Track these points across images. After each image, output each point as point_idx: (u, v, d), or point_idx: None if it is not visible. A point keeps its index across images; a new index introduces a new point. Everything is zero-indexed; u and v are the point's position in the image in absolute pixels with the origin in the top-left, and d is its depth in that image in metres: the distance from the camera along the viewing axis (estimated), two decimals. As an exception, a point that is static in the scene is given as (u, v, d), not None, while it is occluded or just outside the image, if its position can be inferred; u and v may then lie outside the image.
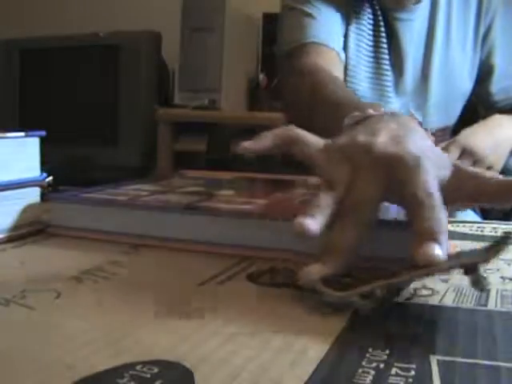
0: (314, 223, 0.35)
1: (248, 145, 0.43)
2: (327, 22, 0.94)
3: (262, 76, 2.20)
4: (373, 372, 0.25)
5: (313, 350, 0.27)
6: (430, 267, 0.32)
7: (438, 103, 1.04)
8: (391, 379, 0.24)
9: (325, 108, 0.68)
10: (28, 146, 0.52)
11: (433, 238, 0.33)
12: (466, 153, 0.93)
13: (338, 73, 0.88)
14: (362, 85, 1.01)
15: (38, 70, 2.35)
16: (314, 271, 0.34)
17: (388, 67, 1.01)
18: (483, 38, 1.04)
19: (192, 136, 2.12)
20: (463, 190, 0.40)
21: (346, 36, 0.99)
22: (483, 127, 0.97)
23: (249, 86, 2.23)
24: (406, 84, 1.03)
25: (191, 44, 2.10)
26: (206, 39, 2.09)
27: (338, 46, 0.93)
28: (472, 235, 0.55)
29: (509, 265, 0.44)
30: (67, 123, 2.24)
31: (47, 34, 2.31)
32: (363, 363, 0.26)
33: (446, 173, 0.40)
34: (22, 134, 0.51)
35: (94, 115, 2.25)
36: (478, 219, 1.05)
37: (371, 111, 0.47)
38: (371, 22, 1.00)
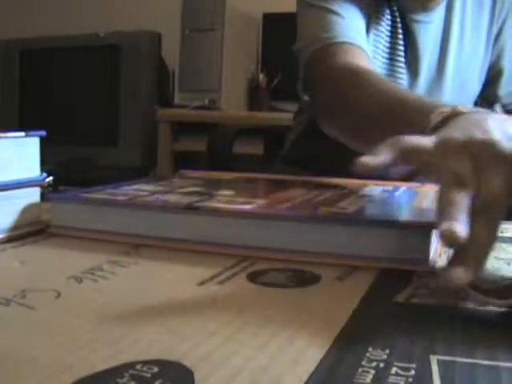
0: (461, 226, 0.33)
1: (367, 160, 0.40)
2: (354, 21, 0.92)
3: (261, 76, 2.20)
4: (373, 371, 0.25)
5: (313, 350, 0.27)
6: None
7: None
8: (391, 379, 0.24)
9: (386, 109, 0.65)
10: (28, 146, 0.52)
11: None
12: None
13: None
14: None
15: (38, 70, 2.36)
16: (460, 276, 0.32)
17: (403, 69, 1.01)
18: (494, 41, 1.03)
19: (192, 136, 2.12)
20: None
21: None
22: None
23: (249, 86, 2.23)
24: (420, 86, 1.02)
25: (191, 44, 2.10)
26: (205, 39, 2.09)
27: (366, 46, 0.89)
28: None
29: (509, 264, 0.44)
30: (67, 123, 2.24)
31: (47, 34, 2.31)
32: (363, 363, 0.26)
33: None
34: (22, 133, 0.51)
35: (94, 115, 2.25)
36: None
37: (460, 108, 0.47)
38: (389, 23, 0.99)
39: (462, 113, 0.47)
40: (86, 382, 0.23)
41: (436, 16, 1.00)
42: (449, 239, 0.32)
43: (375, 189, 0.59)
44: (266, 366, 0.25)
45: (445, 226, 0.33)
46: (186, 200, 0.49)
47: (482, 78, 1.05)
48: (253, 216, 0.45)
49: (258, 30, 2.27)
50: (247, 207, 0.46)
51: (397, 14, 0.99)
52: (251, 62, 2.27)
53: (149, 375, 0.24)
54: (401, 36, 0.99)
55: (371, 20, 0.98)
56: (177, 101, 2.14)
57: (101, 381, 0.24)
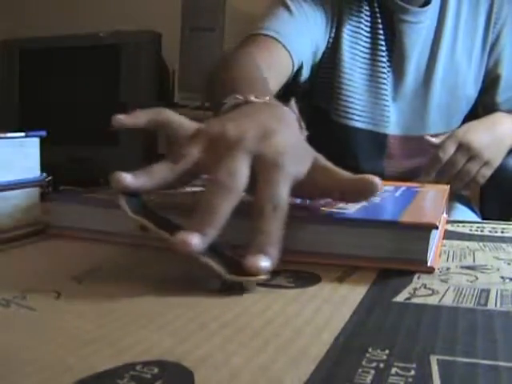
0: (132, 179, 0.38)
1: (122, 118, 0.44)
2: (302, 22, 0.95)
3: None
4: (373, 372, 0.25)
5: (313, 350, 0.27)
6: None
7: (439, 108, 1.03)
8: (391, 379, 0.24)
9: (223, 82, 0.69)
10: (28, 146, 0.52)
11: (263, 251, 0.36)
12: (462, 147, 0.92)
13: (274, 72, 0.86)
14: (357, 87, 1.01)
15: (38, 69, 2.35)
16: (197, 241, 0.35)
17: (386, 69, 1.01)
18: (491, 47, 1.03)
19: (192, 136, 2.12)
20: (318, 185, 0.42)
21: (338, 38, 0.99)
22: (483, 123, 0.97)
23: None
24: (406, 87, 1.02)
25: (191, 44, 2.10)
26: (206, 39, 2.09)
27: (296, 49, 0.92)
28: (471, 235, 0.55)
29: (509, 264, 0.44)
30: (67, 123, 2.24)
31: (47, 34, 2.31)
32: (363, 363, 0.26)
33: (304, 168, 0.42)
34: (22, 134, 0.51)
35: (94, 115, 2.25)
36: (478, 219, 1.05)
37: (252, 98, 0.49)
38: (368, 24, 1.00)
39: (251, 102, 0.48)
40: (86, 383, 0.23)
41: (427, 17, 0.99)
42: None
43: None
44: (266, 366, 0.25)
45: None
46: (186, 200, 0.49)
47: (479, 84, 1.05)
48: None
49: (257, 30, 2.27)
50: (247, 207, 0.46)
51: (378, 14, 0.99)
52: (251, 62, 2.26)
53: (149, 376, 0.24)
54: (382, 36, 1.00)
55: (344, 21, 0.98)
56: (177, 101, 2.14)
57: (101, 381, 0.24)
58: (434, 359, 0.26)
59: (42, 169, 0.54)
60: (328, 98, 1.03)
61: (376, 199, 0.52)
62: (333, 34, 0.99)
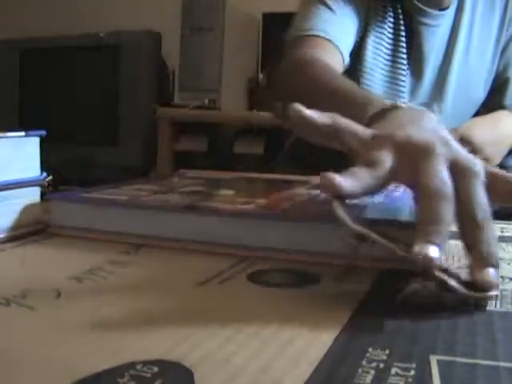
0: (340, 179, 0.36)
1: (302, 109, 0.41)
2: (344, 20, 0.93)
3: (261, 76, 2.20)
4: (373, 372, 0.25)
5: (313, 350, 0.27)
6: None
7: (452, 109, 1.03)
8: (391, 379, 0.24)
9: (327, 96, 0.67)
10: (28, 146, 0.52)
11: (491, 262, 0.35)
12: (463, 142, 0.91)
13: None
14: (376, 88, 1.01)
15: (38, 70, 2.35)
16: (437, 254, 0.33)
17: (405, 72, 1.01)
18: (502, 50, 1.03)
19: (192, 136, 2.12)
20: (496, 190, 0.40)
21: (364, 38, 0.98)
22: (486, 120, 0.97)
23: (249, 85, 2.23)
24: (423, 89, 1.02)
25: (191, 44, 2.10)
26: (205, 39, 2.09)
27: (345, 48, 0.91)
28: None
29: (508, 264, 0.44)
30: (67, 123, 2.24)
31: (47, 34, 2.31)
32: (363, 363, 0.26)
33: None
34: (22, 133, 0.51)
35: (94, 115, 2.25)
36: None
37: (398, 103, 0.48)
38: (391, 25, 0.99)
39: (401, 107, 0.47)
40: (86, 382, 0.23)
41: (445, 20, 0.99)
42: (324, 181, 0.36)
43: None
44: (266, 365, 0.25)
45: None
46: (185, 200, 0.49)
47: (488, 86, 1.05)
48: (253, 216, 0.45)
49: (258, 30, 2.27)
50: (247, 207, 0.46)
51: (401, 16, 0.98)
52: (251, 62, 2.27)
53: (149, 375, 0.24)
54: (403, 39, 0.99)
55: (371, 21, 0.97)
56: (177, 100, 2.14)
57: (101, 381, 0.24)
58: (433, 359, 0.26)
59: (42, 168, 0.54)
60: None
61: (376, 199, 0.52)
62: (361, 33, 0.99)
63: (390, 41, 1.00)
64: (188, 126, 2.10)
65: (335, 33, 0.90)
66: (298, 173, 0.79)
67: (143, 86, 2.18)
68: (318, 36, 0.88)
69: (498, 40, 1.03)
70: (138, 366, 0.25)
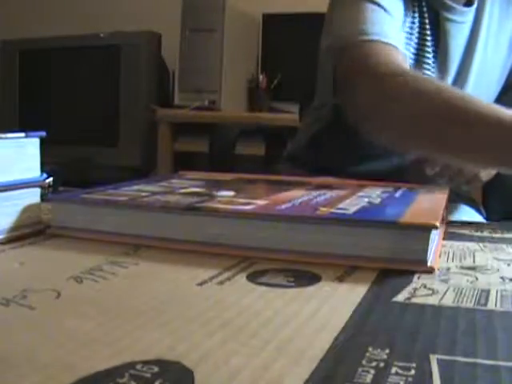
0: None
1: None
2: (396, 20, 0.87)
3: (261, 76, 2.20)
4: (373, 371, 0.25)
5: (313, 349, 0.27)
6: None
7: None
8: (391, 378, 0.24)
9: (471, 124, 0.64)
10: (28, 147, 0.52)
11: None
12: None
13: None
14: None
15: (38, 70, 2.36)
16: None
17: (431, 70, 1.01)
18: None
19: (192, 136, 2.13)
20: None
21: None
22: None
23: (249, 86, 2.23)
24: None
25: (191, 44, 2.10)
26: (205, 39, 2.09)
27: (402, 48, 0.86)
28: (471, 236, 0.55)
29: (509, 265, 0.44)
30: (67, 124, 2.24)
31: (47, 35, 2.31)
32: (363, 362, 0.26)
33: None
34: (23, 134, 0.51)
35: (94, 116, 2.25)
36: (482, 219, 1.04)
37: None
38: (418, 23, 0.99)
39: None
40: (86, 382, 0.23)
41: (469, 17, 0.99)
42: None
43: (375, 190, 0.59)
44: (266, 365, 0.25)
45: None
46: (186, 201, 0.49)
47: (501, 83, 1.05)
48: (253, 216, 0.45)
49: (258, 30, 2.27)
50: (247, 208, 0.46)
51: (426, 14, 0.98)
52: (251, 62, 2.27)
53: (149, 375, 0.24)
54: (429, 38, 0.99)
55: (406, 19, 0.96)
56: (177, 101, 2.14)
57: (101, 381, 0.24)
58: (434, 359, 0.26)
59: (42, 169, 0.54)
60: None
61: (376, 200, 0.52)
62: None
63: (417, 39, 0.99)
64: (188, 126, 2.10)
65: (395, 37, 0.83)
66: (299, 174, 0.79)
67: (143, 86, 2.18)
68: (386, 43, 0.81)
69: (511, 41, 1.03)
70: (138, 366, 0.25)
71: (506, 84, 1.06)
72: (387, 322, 0.31)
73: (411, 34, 0.97)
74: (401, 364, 0.25)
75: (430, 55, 0.99)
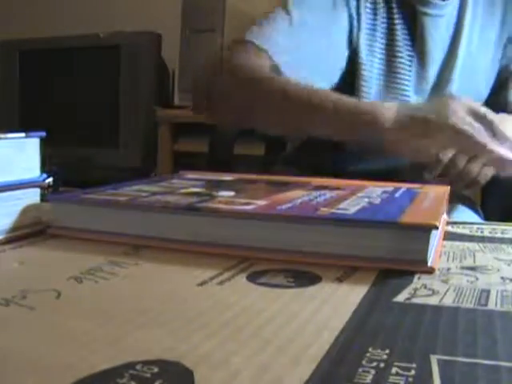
0: None
1: None
2: (302, 32, 0.94)
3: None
4: (373, 371, 0.25)
5: (313, 350, 0.27)
6: None
7: None
8: (391, 378, 0.24)
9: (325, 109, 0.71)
10: (28, 147, 0.52)
11: None
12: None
13: None
14: (376, 84, 1.01)
15: (38, 70, 2.36)
16: None
17: (407, 65, 1.01)
18: (504, 45, 1.04)
19: (192, 137, 2.12)
20: None
21: (357, 40, 0.99)
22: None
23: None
24: (428, 82, 1.02)
25: (191, 45, 2.10)
26: (205, 40, 2.09)
27: (280, 55, 0.93)
28: (472, 236, 0.55)
29: (509, 265, 0.44)
30: (67, 124, 2.24)
31: (47, 35, 2.31)
32: (363, 362, 0.26)
33: None
34: (22, 134, 0.51)
35: (94, 116, 2.25)
36: (480, 220, 1.04)
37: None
38: (385, 20, 1.00)
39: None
40: (86, 382, 0.23)
41: (448, 11, 1.00)
42: None
43: (375, 190, 0.59)
44: (267, 366, 0.25)
45: None
46: (186, 201, 0.49)
47: (491, 81, 1.05)
48: (253, 217, 0.45)
49: (258, 31, 2.27)
50: (248, 208, 0.46)
51: (395, 10, 0.99)
52: (251, 63, 2.26)
53: (149, 375, 0.24)
54: (399, 32, 1.00)
55: (362, 22, 0.98)
56: (177, 101, 2.14)
57: (101, 381, 0.24)
58: (434, 359, 0.26)
59: (42, 169, 0.54)
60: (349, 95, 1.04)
61: (376, 200, 0.52)
62: (354, 35, 1.00)
63: (385, 36, 1.00)
64: (188, 126, 2.10)
65: (282, 47, 0.92)
66: (299, 175, 0.79)
67: (143, 87, 2.18)
68: (259, 47, 0.91)
69: (500, 35, 1.03)
70: (138, 366, 0.25)
71: (496, 85, 1.06)
72: (387, 323, 0.31)
73: (373, 32, 1.00)
74: (401, 364, 0.25)
75: (404, 49, 1.00)
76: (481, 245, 0.51)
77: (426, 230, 0.41)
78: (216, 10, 2.08)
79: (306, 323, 0.31)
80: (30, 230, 0.51)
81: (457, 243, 0.51)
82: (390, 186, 0.62)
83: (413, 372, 0.25)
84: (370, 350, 0.27)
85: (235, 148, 1.98)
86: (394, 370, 0.25)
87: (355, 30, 0.99)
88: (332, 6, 0.97)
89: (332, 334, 0.29)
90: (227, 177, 0.69)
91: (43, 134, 0.53)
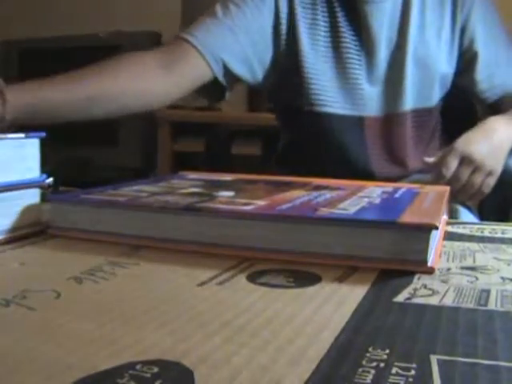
0: None
1: None
2: (226, 24, 0.99)
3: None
4: (373, 371, 0.25)
5: (313, 350, 0.27)
6: None
7: (413, 84, 1.06)
8: (391, 379, 0.24)
9: None
10: (28, 147, 0.52)
11: None
12: (464, 161, 0.93)
13: (180, 73, 0.99)
14: (324, 75, 1.03)
15: (37, 70, 2.35)
16: None
17: (356, 53, 1.02)
18: (463, 27, 1.06)
19: (192, 137, 2.13)
20: None
21: (295, 35, 1.02)
22: (479, 132, 0.97)
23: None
24: (379, 67, 1.04)
25: (191, 45, 2.10)
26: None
27: (221, 56, 0.98)
28: (472, 236, 0.55)
29: (509, 265, 0.44)
30: (67, 124, 2.24)
31: (47, 35, 2.31)
32: (363, 362, 0.26)
33: None
34: (22, 135, 0.51)
35: (94, 116, 2.25)
36: (475, 219, 1.05)
37: None
38: (326, 13, 1.02)
39: None
40: (86, 382, 0.23)
41: None
42: None
43: (375, 190, 0.59)
44: (266, 365, 0.25)
45: None
46: (186, 201, 0.49)
47: (453, 64, 1.06)
48: (253, 217, 0.45)
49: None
50: (247, 208, 0.46)
51: (335, 3, 1.01)
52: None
53: (149, 375, 0.24)
54: (342, 23, 1.03)
55: (298, 16, 1.02)
56: (177, 101, 2.14)
57: (101, 381, 0.24)
58: (434, 359, 0.26)
59: (42, 170, 0.54)
60: (296, 93, 1.06)
61: (376, 200, 0.52)
62: (284, 31, 1.03)
63: (327, 29, 1.03)
64: (188, 126, 2.10)
65: (202, 38, 0.98)
66: (289, 174, 0.79)
67: (143, 86, 2.18)
68: (185, 40, 0.97)
69: (453, 17, 1.05)
70: (138, 366, 0.25)
71: (461, 66, 1.07)
72: (387, 323, 0.31)
73: (314, 25, 1.03)
74: (401, 364, 0.25)
75: (349, 39, 1.02)
76: (481, 245, 0.51)
77: (426, 230, 0.41)
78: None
79: (306, 323, 0.31)
80: (30, 231, 0.51)
81: (457, 243, 0.51)
82: (389, 186, 0.62)
83: (413, 372, 0.25)
84: (370, 349, 0.27)
85: (232, 148, 1.98)
86: (393, 370, 0.25)
87: (284, 27, 1.02)
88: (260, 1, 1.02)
89: (332, 334, 0.29)
90: (227, 177, 0.69)
91: (43, 134, 0.53)
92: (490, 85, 1.07)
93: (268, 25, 1.02)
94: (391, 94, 1.05)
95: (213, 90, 1.05)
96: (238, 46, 0.99)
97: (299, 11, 1.02)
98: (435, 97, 1.08)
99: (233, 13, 1.00)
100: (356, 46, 1.03)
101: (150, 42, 2.19)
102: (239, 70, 1.01)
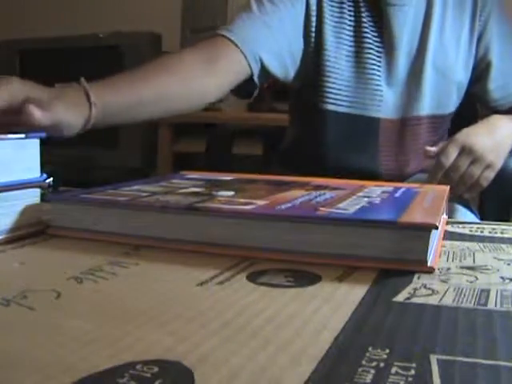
0: None
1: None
2: (264, 19, 0.98)
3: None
4: (373, 371, 0.25)
5: (313, 349, 0.27)
6: None
7: (431, 90, 1.05)
8: (391, 378, 0.24)
9: None
10: (28, 147, 0.52)
11: None
12: (464, 151, 0.93)
13: (222, 72, 0.93)
14: (344, 74, 1.03)
15: (38, 70, 2.35)
16: None
17: (376, 55, 1.02)
18: (479, 36, 1.05)
19: (192, 137, 2.12)
20: None
21: (321, 32, 1.02)
22: (483, 127, 0.98)
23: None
24: (399, 70, 1.04)
25: (192, 45, 2.10)
26: (205, 40, 2.09)
27: (258, 52, 0.96)
28: (471, 236, 0.55)
29: (509, 265, 0.44)
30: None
31: (47, 35, 2.31)
32: (363, 362, 0.26)
33: None
34: (23, 135, 0.51)
35: (94, 116, 2.25)
36: (475, 219, 1.05)
37: None
38: (352, 13, 1.02)
39: None
40: (86, 382, 0.23)
41: (413, 0, 1.01)
42: None
43: (375, 190, 0.59)
44: (266, 365, 0.25)
45: None
46: (186, 201, 0.49)
47: (469, 71, 1.06)
48: (253, 216, 0.45)
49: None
50: (247, 208, 0.46)
51: (361, 3, 1.01)
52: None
53: (149, 375, 0.24)
54: (366, 24, 1.02)
55: (325, 14, 1.02)
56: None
57: (101, 381, 0.24)
58: (433, 359, 0.26)
59: (42, 170, 0.54)
60: (315, 90, 1.05)
61: (376, 200, 0.52)
62: (313, 29, 1.02)
63: (352, 28, 1.03)
64: (188, 127, 2.10)
65: (249, 38, 0.95)
66: (291, 174, 0.79)
67: (143, 86, 2.18)
68: (222, 36, 0.95)
69: (471, 25, 1.05)
70: (138, 366, 0.25)
71: (475, 75, 1.07)
72: (387, 322, 0.31)
73: (340, 24, 1.03)
74: (401, 364, 0.25)
75: (372, 40, 1.02)
76: (481, 244, 0.51)
77: (426, 229, 0.41)
78: (216, 9, 2.08)
79: (306, 323, 0.31)
80: (31, 230, 0.51)
81: (457, 243, 0.51)
82: (389, 186, 0.62)
83: (413, 372, 0.25)
84: (370, 349, 0.27)
85: (233, 148, 1.98)
86: (393, 369, 0.25)
87: (313, 24, 1.02)
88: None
89: (332, 334, 0.29)
90: (227, 177, 0.69)
91: (43, 134, 0.53)
92: (503, 94, 1.07)
93: (300, 21, 1.01)
94: (408, 97, 1.05)
95: (243, 88, 1.02)
96: (275, 43, 0.98)
97: (327, 9, 1.02)
98: (452, 105, 1.08)
99: (268, 9, 0.98)
100: (378, 47, 1.02)
101: (150, 42, 2.19)
102: (274, 67, 0.99)
